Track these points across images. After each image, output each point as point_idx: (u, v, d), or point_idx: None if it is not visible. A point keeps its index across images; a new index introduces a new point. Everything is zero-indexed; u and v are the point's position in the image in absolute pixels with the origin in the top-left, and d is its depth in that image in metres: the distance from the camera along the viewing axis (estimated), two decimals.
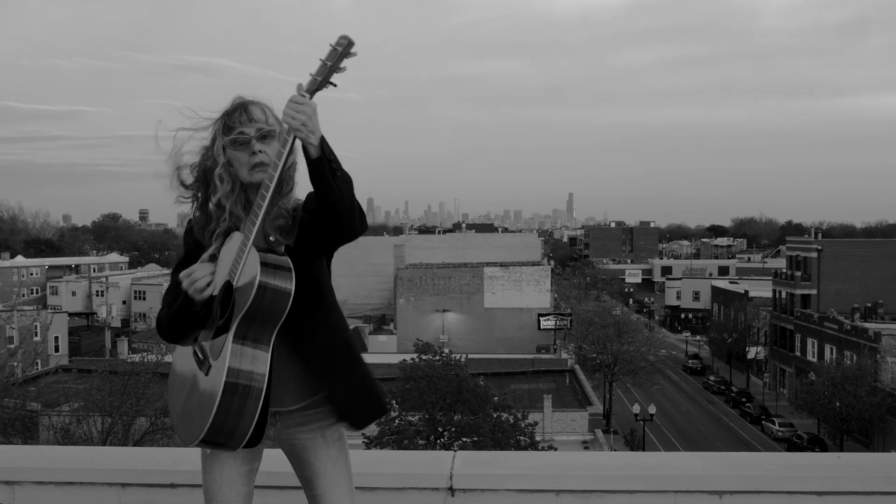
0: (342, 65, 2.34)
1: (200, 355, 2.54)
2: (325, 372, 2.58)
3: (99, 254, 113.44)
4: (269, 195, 2.39)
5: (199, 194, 2.61)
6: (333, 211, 2.39)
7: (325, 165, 2.35)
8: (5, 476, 3.58)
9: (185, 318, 2.57)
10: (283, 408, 2.58)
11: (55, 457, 4.13)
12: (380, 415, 2.70)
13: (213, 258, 2.54)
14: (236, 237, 2.49)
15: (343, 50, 2.32)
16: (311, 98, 2.35)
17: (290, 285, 2.44)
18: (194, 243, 2.63)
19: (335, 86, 2.38)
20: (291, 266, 2.46)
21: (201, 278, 2.48)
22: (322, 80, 2.35)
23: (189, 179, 2.63)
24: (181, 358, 2.67)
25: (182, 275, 2.50)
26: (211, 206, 2.56)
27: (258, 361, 2.44)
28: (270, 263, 2.42)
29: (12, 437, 24.81)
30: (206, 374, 2.48)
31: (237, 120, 2.52)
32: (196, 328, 2.59)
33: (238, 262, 2.44)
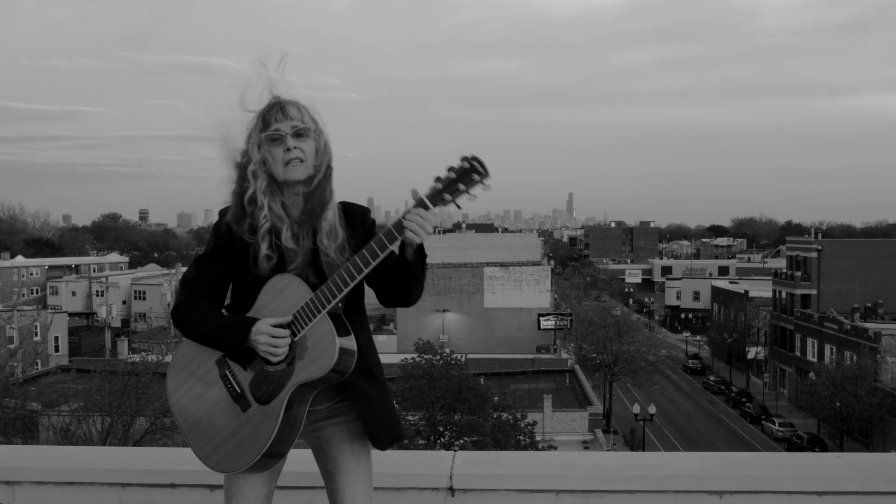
0: (474, 192, 2.34)
1: (237, 388, 2.54)
2: (362, 393, 2.62)
3: (99, 254, 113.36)
4: (359, 278, 2.42)
5: (236, 188, 2.62)
6: (408, 299, 2.56)
7: (420, 267, 2.46)
8: (5, 476, 3.58)
9: (221, 347, 2.57)
10: (311, 406, 2.59)
11: (55, 457, 4.13)
12: (399, 439, 2.75)
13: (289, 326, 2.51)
14: (297, 286, 2.49)
15: (479, 178, 2.32)
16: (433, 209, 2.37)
17: (355, 346, 2.51)
18: (225, 238, 2.60)
19: (459, 207, 2.39)
20: (353, 332, 2.52)
21: (283, 350, 2.46)
22: (450, 199, 2.36)
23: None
24: (196, 366, 2.64)
25: (262, 329, 2.45)
26: (245, 201, 2.56)
27: (297, 420, 2.52)
28: (344, 334, 2.47)
29: (12, 437, 24.81)
30: (244, 412, 2.51)
31: (273, 117, 2.53)
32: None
33: (303, 319, 2.46)
